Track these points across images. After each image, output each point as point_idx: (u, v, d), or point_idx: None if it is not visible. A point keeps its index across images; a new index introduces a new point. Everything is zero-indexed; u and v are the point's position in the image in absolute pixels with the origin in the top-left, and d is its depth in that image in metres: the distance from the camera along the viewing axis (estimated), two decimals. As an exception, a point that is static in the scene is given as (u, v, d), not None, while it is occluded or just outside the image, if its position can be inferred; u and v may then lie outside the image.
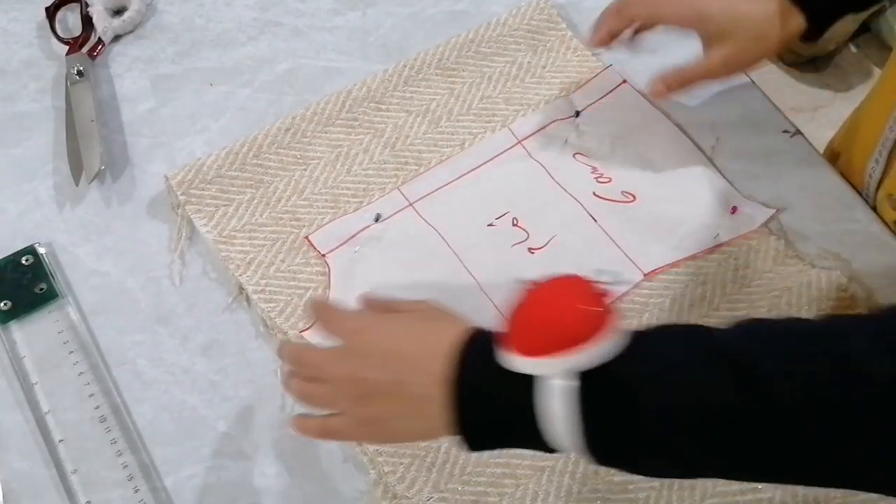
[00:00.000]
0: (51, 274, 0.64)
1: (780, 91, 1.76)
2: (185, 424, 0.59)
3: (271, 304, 0.63)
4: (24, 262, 0.65)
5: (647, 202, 0.68)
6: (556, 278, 0.44)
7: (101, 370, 0.61)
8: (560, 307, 0.42)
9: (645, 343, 0.42)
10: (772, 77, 1.74)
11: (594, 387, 0.41)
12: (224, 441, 0.59)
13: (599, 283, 0.43)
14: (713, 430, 0.40)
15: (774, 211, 0.67)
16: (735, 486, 0.56)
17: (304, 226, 0.67)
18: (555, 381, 0.41)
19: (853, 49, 1.75)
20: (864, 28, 1.72)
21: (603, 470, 0.56)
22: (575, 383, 0.41)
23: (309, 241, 0.66)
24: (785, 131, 0.71)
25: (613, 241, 0.66)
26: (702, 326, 0.43)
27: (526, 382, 0.42)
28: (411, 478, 0.56)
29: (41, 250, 0.65)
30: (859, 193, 0.68)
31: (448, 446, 0.57)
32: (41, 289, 0.64)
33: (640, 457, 0.42)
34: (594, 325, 0.41)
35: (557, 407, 0.41)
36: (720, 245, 0.66)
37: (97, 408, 0.60)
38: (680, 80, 0.67)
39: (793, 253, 0.65)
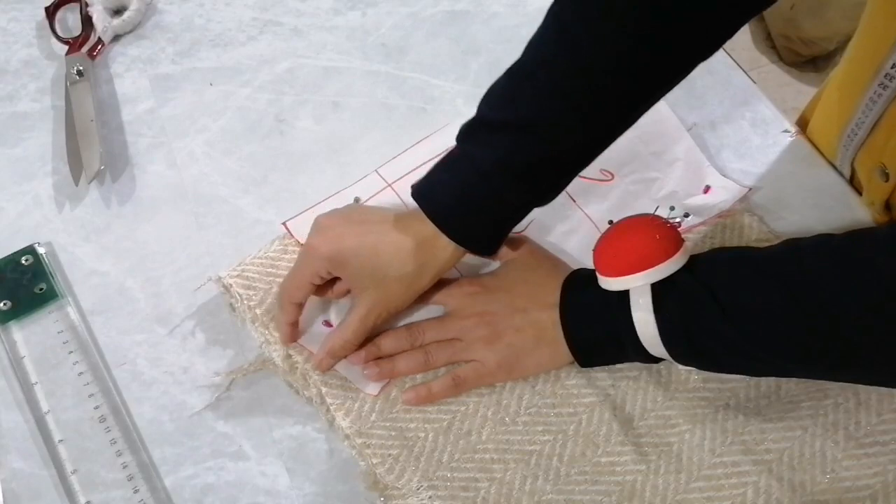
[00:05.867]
0: (50, 274, 0.64)
1: (780, 91, 1.76)
2: (185, 424, 0.59)
3: (250, 292, 0.62)
4: (23, 262, 0.65)
5: (625, 181, 0.68)
6: (632, 217, 0.56)
7: (100, 370, 0.61)
8: (637, 235, 0.54)
9: (706, 259, 0.54)
10: (772, 77, 1.74)
11: (668, 293, 0.52)
12: (224, 441, 0.59)
13: (669, 219, 0.55)
14: (772, 325, 0.49)
15: (748, 189, 0.67)
16: (720, 469, 0.56)
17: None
18: (639, 293, 0.53)
19: (853, 49, 1.75)
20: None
21: (590, 452, 0.57)
22: (649, 294, 0.53)
23: (287, 227, 0.66)
24: (785, 131, 0.71)
25: (592, 222, 0.66)
26: (747, 250, 0.54)
27: (618, 298, 0.54)
28: (400, 468, 0.56)
29: (41, 250, 0.65)
30: (859, 192, 0.68)
31: (434, 435, 0.58)
32: (41, 289, 0.64)
33: (719, 355, 0.52)
34: (665, 248, 0.52)
35: (641, 312, 0.53)
36: (695, 226, 0.66)
37: (97, 408, 0.60)
38: (340, 346, 0.58)
39: (767, 230, 0.65)
